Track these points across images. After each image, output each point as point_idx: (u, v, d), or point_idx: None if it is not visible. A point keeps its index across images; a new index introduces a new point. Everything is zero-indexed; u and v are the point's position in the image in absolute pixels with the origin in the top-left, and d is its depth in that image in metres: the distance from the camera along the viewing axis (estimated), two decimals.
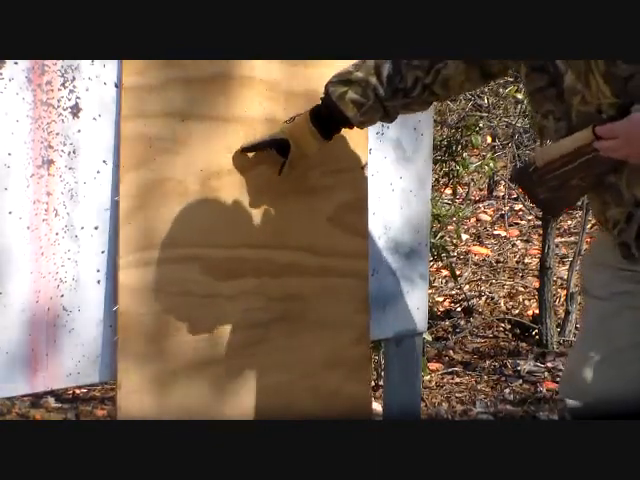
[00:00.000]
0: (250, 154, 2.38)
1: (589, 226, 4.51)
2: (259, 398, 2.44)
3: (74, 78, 2.18)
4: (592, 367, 2.14)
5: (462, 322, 4.44)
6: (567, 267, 4.63)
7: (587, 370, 2.15)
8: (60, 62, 2.15)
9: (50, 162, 2.17)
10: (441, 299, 4.72)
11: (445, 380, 3.86)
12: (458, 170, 3.98)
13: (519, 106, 4.61)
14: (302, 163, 2.38)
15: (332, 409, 2.52)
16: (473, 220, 6.10)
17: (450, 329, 4.36)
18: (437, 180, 4.15)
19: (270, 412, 2.44)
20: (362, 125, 2.31)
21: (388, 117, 2.30)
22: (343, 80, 2.25)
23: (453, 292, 4.80)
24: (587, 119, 2.01)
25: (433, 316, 4.26)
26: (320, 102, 2.30)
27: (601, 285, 2.17)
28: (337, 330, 2.54)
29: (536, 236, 5.64)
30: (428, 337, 3.67)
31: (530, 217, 5.94)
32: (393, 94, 2.23)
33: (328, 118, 2.29)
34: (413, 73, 2.21)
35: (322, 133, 2.31)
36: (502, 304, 4.70)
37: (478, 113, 4.50)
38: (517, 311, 4.62)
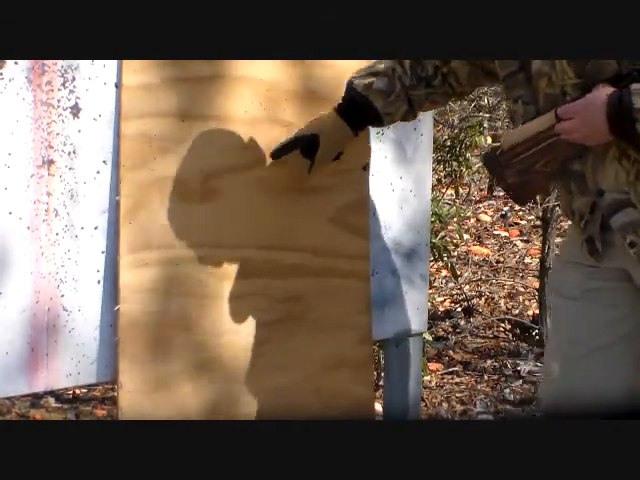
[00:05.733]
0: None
1: None
2: (261, 399, 2.44)
3: (74, 78, 2.18)
4: (567, 368, 2.13)
5: (462, 322, 4.44)
6: None
7: (563, 371, 2.14)
8: (60, 62, 2.15)
9: (50, 162, 2.17)
10: (441, 299, 4.72)
11: (445, 380, 3.86)
12: (460, 170, 3.98)
13: None
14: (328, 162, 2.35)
15: (335, 410, 2.52)
16: (473, 220, 6.10)
17: (450, 329, 4.36)
18: (439, 180, 4.15)
19: (272, 413, 2.44)
20: (388, 118, 2.30)
21: (412, 111, 2.31)
22: (368, 72, 2.27)
23: (453, 292, 4.80)
24: (553, 102, 2.01)
25: (433, 316, 4.27)
26: (343, 98, 2.30)
27: (571, 284, 2.16)
28: (339, 331, 2.54)
29: (536, 236, 5.64)
30: (428, 337, 3.66)
31: (530, 217, 5.94)
32: (417, 82, 2.26)
33: (354, 113, 2.29)
34: (432, 62, 2.25)
35: (351, 127, 2.30)
36: (502, 304, 4.70)
37: (480, 114, 4.50)
38: (517, 311, 4.62)
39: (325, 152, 2.32)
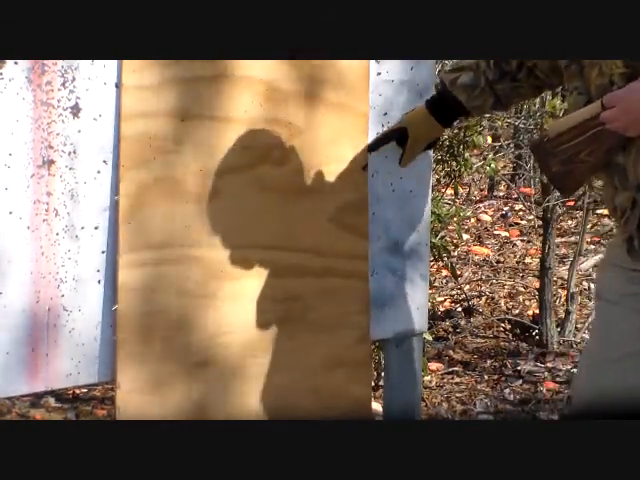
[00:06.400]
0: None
1: (589, 226, 4.51)
2: (260, 399, 2.44)
3: (74, 78, 2.18)
4: (598, 370, 2.12)
5: (462, 322, 4.44)
6: (567, 267, 4.63)
7: (593, 372, 2.13)
8: (60, 62, 2.15)
9: (50, 162, 2.17)
10: (441, 299, 4.72)
11: (445, 380, 3.86)
12: (460, 170, 3.98)
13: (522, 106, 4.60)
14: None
15: (334, 410, 2.52)
16: (473, 220, 6.10)
17: (450, 329, 4.36)
18: (438, 180, 4.15)
19: (271, 413, 2.44)
20: (475, 111, 2.41)
21: (500, 103, 2.38)
22: (455, 67, 2.37)
23: (453, 292, 4.80)
24: (602, 92, 2.02)
25: (433, 316, 4.27)
26: (435, 92, 2.42)
27: (611, 287, 2.14)
28: (338, 331, 2.54)
29: (536, 236, 5.64)
30: (428, 337, 3.66)
31: (530, 217, 5.94)
32: (501, 77, 2.31)
33: (441, 106, 2.41)
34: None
35: (439, 121, 2.43)
36: (502, 304, 4.70)
37: None
38: (517, 311, 4.62)
39: (413, 143, 2.48)
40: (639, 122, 1.94)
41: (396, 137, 2.51)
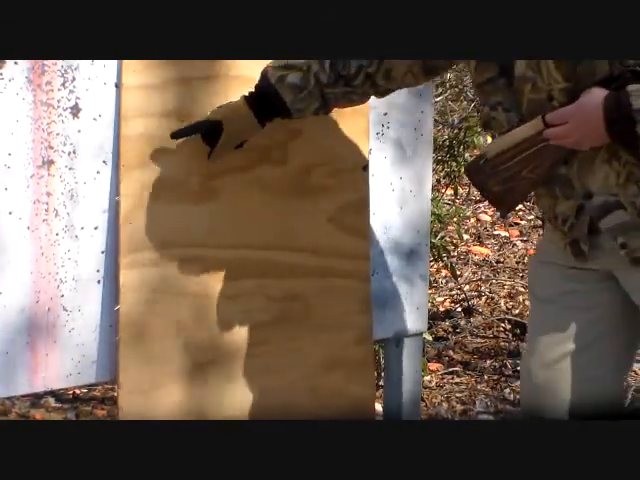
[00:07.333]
0: (242, 149, 2.38)
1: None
2: (260, 399, 2.44)
3: (74, 78, 2.18)
4: (546, 371, 2.15)
5: (462, 322, 4.44)
6: None
7: (535, 373, 2.16)
8: (60, 62, 2.15)
9: (50, 162, 2.17)
10: (441, 299, 4.71)
11: (445, 380, 3.86)
12: (460, 170, 3.98)
13: None
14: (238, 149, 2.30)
15: (334, 410, 2.52)
16: (473, 220, 6.09)
17: (450, 329, 4.35)
18: (438, 180, 4.15)
19: (271, 413, 2.44)
20: (297, 113, 2.23)
21: (325, 107, 2.24)
22: (283, 65, 2.20)
23: (453, 292, 4.80)
24: (538, 107, 1.99)
25: (433, 316, 4.26)
26: (255, 87, 2.24)
27: (547, 286, 2.16)
28: (338, 331, 2.54)
29: (536, 236, 5.63)
30: (428, 337, 3.66)
31: (530, 217, 5.94)
32: (335, 81, 2.18)
33: (263, 103, 2.22)
34: (357, 61, 2.18)
35: (259, 118, 2.23)
36: (502, 304, 4.70)
37: (480, 114, 4.49)
38: (517, 311, 4.61)
39: (227, 140, 2.25)
40: (595, 136, 1.93)
41: (205, 130, 2.25)
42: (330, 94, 2.21)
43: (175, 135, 2.25)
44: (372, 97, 2.30)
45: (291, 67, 2.19)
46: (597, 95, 1.91)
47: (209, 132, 2.25)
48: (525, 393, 2.23)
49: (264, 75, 2.22)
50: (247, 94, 2.25)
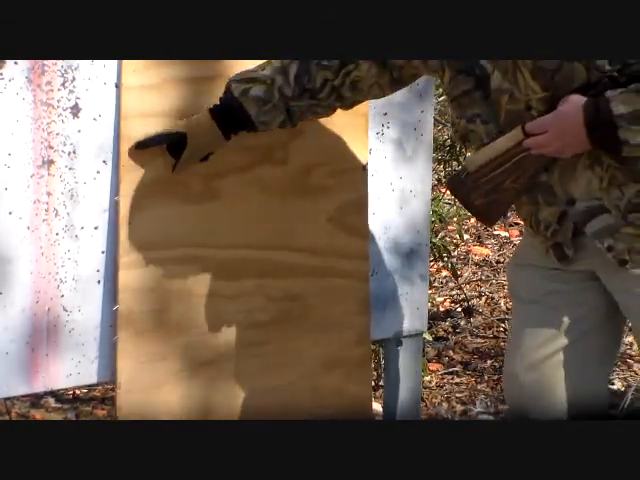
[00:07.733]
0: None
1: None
2: (259, 398, 2.44)
3: (74, 78, 2.18)
4: (531, 371, 2.15)
5: (462, 322, 4.44)
6: None
7: (521, 374, 2.16)
8: (60, 62, 2.15)
9: (50, 162, 2.17)
10: (441, 299, 4.71)
11: (445, 380, 3.86)
12: None
13: None
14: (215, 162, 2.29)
15: (333, 410, 2.52)
16: (473, 220, 6.09)
17: (450, 329, 4.35)
18: (438, 180, 4.15)
19: (270, 413, 2.44)
20: (262, 126, 2.21)
21: (290, 120, 2.22)
22: (246, 78, 2.19)
23: (453, 292, 4.80)
24: (516, 118, 1.99)
25: (433, 316, 4.26)
26: (220, 99, 2.22)
27: (530, 287, 2.17)
28: (337, 331, 2.54)
29: None
30: (428, 337, 3.66)
31: None
32: (300, 94, 2.18)
33: (228, 116, 2.21)
34: (322, 74, 2.17)
35: (223, 132, 2.22)
36: (502, 304, 4.70)
37: None
38: None
39: (191, 153, 2.24)
40: (576, 143, 1.93)
41: (171, 142, 2.24)
42: (295, 107, 2.20)
43: (140, 145, 2.23)
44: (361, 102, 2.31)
45: (254, 80, 2.18)
46: (575, 102, 1.91)
47: (174, 144, 2.24)
48: (511, 395, 2.23)
49: (228, 88, 2.20)
50: (212, 106, 2.23)
